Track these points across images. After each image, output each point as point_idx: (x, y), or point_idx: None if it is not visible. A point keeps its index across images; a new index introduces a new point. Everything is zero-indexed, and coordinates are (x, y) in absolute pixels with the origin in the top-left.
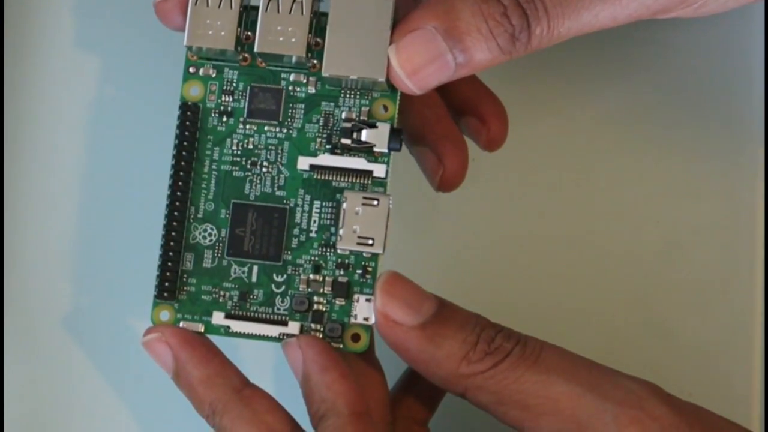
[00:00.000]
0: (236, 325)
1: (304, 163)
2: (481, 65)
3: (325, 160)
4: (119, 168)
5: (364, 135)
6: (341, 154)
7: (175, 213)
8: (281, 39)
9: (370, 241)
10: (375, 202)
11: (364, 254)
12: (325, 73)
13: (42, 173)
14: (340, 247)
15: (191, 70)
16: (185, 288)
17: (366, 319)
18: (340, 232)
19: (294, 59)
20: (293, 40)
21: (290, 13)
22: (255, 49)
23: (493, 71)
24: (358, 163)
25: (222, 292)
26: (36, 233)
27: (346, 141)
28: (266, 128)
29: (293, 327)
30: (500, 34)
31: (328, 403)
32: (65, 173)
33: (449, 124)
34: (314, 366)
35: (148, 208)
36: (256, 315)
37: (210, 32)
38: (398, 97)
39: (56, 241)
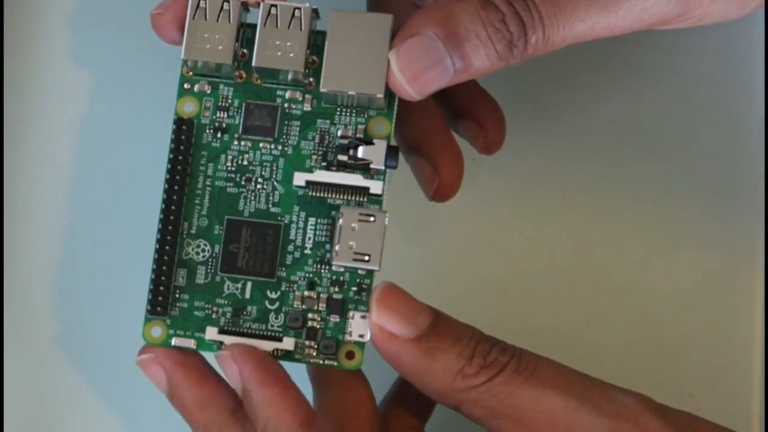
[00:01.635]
0: (230, 341)
1: (300, 179)
2: (478, 71)
3: (322, 176)
4: (112, 182)
5: (361, 152)
6: (336, 172)
7: (169, 228)
8: (279, 54)
9: (367, 258)
10: (372, 219)
11: (359, 271)
12: (323, 89)
13: (34, 185)
14: (336, 263)
15: (186, 86)
16: (177, 304)
17: (361, 336)
18: (336, 248)
19: (290, 75)
20: (291, 55)
21: (289, 28)
22: (253, 64)
23: (492, 75)
24: (354, 179)
25: (215, 309)
26: (28, 247)
27: (342, 158)
28: (261, 145)
29: (288, 343)
30: (498, 40)
31: (275, 419)
32: (57, 185)
33: (446, 135)
34: (253, 382)
35: (141, 223)
36: (249, 331)
37: (207, 46)
38: (394, 116)
39: (48, 255)
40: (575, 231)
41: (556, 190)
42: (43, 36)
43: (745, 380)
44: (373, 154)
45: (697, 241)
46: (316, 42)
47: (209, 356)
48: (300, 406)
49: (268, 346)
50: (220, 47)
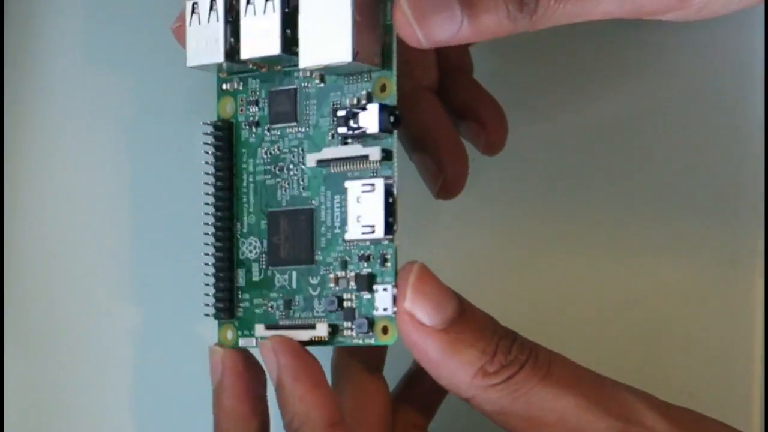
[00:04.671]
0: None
1: (312, 160)
2: (485, 28)
3: (328, 153)
4: (115, 171)
5: (360, 120)
6: (351, 144)
7: (225, 231)
8: (260, 41)
9: (371, 228)
10: (371, 188)
11: (369, 242)
12: (301, 66)
13: (39, 176)
14: (348, 238)
15: (224, 87)
16: (240, 305)
17: (385, 309)
18: (348, 223)
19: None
20: (269, 39)
21: (264, 13)
22: (240, 57)
23: (492, 77)
24: (354, 150)
25: (270, 304)
26: (35, 235)
27: (342, 130)
28: (288, 130)
29: (321, 329)
30: None
31: (302, 416)
32: (62, 175)
33: (450, 132)
34: (286, 375)
35: (142, 216)
36: (295, 323)
37: (204, 48)
38: (394, 71)
39: (53, 241)
40: (575, 230)
41: (556, 190)
42: (47, 33)
43: (745, 380)
44: (368, 119)
45: (697, 240)
46: (295, 18)
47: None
48: (328, 405)
49: (305, 335)
50: (213, 46)
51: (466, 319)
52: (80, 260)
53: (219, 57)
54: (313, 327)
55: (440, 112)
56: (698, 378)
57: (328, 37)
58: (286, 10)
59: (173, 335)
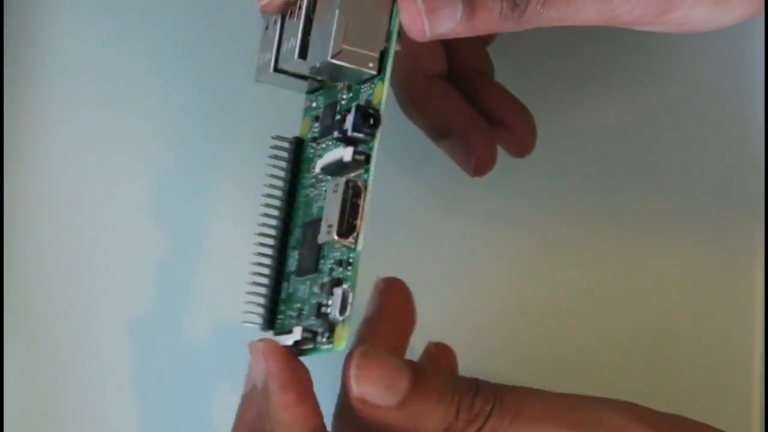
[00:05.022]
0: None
1: (318, 166)
2: (477, 25)
3: (327, 157)
4: (117, 169)
5: (345, 123)
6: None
7: (282, 245)
8: (288, 49)
9: (329, 228)
10: (335, 188)
11: (337, 245)
12: (307, 67)
13: (43, 177)
14: (319, 240)
15: (306, 104)
16: (279, 316)
17: (335, 313)
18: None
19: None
20: (293, 47)
21: (295, 21)
22: (278, 67)
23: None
24: (335, 153)
25: (291, 313)
26: (38, 235)
27: (335, 133)
28: (328, 143)
29: (297, 332)
30: None
31: (285, 426)
32: (67, 175)
33: (469, 112)
34: (274, 382)
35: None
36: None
37: (265, 60)
38: (387, 78)
39: (56, 242)
40: (575, 231)
41: (556, 192)
42: (47, 33)
43: (745, 380)
44: (348, 122)
45: (697, 240)
46: None
47: None
48: (311, 419)
49: (288, 340)
50: (268, 59)
51: (421, 389)
52: (82, 261)
53: (268, 69)
54: (289, 331)
55: (455, 96)
56: (698, 379)
57: (320, 38)
58: (312, 16)
59: (174, 338)
